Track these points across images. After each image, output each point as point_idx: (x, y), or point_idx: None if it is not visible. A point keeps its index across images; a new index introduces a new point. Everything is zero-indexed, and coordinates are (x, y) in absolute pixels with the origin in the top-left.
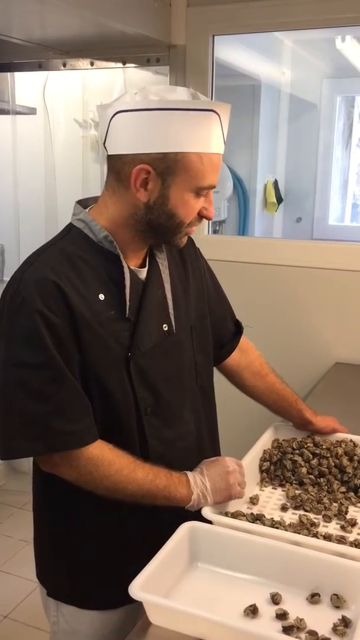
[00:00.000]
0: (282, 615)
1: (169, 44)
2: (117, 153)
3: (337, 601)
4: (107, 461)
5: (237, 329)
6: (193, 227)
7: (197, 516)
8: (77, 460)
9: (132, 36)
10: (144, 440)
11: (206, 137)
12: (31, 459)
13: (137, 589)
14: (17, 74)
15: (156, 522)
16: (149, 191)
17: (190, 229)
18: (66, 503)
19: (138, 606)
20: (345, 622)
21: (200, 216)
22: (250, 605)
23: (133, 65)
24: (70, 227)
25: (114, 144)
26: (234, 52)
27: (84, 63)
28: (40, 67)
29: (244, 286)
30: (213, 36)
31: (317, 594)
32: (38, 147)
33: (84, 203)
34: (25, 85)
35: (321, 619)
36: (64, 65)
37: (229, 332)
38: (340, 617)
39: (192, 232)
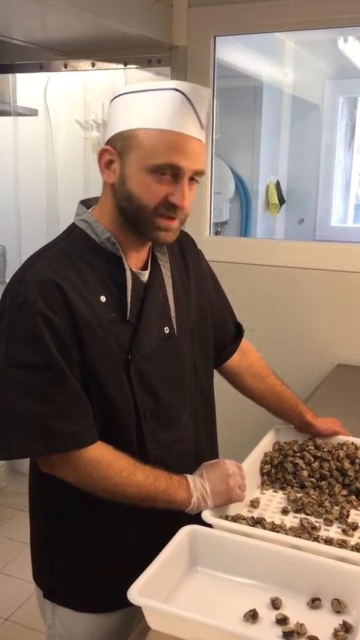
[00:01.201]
0: (282, 620)
1: (170, 44)
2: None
3: (338, 606)
4: (107, 463)
5: (238, 332)
6: (167, 219)
7: (197, 519)
8: (76, 461)
9: (134, 37)
10: (142, 443)
11: (162, 114)
12: (29, 459)
13: (136, 593)
14: (19, 75)
15: (155, 524)
16: (113, 172)
17: (163, 221)
18: (63, 504)
19: (135, 609)
20: (346, 627)
21: (170, 203)
22: (250, 610)
23: (134, 66)
24: (72, 228)
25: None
26: (236, 53)
27: (85, 64)
28: (41, 68)
29: (246, 288)
30: (214, 37)
31: (318, 599)
32: (39, 148)
33: (87, 203)
34: (27, 86)
35: (322, 624)
36: (65, 66)
37: (229, 334)
38: (341, 622)
39: (168, 224)
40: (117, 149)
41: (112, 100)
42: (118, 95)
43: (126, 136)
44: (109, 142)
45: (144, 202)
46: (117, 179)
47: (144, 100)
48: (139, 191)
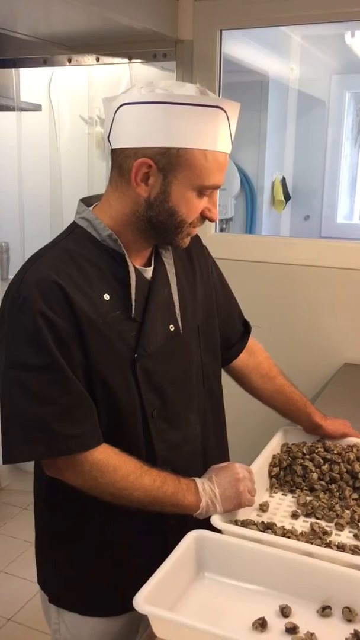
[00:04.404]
0: (292, 629)
1: (176, 38)
2: (120, 147)
3: (349, 614)
4: (113, 466)
5: (245, 329)
6: (195, 227)
7: (204, 522)
8: (81, 465)
9: (139, 31)
10: (150, 444)
11: (212, 135)
12: (34, 462)
13: (142, 601)
14: (22, 70)
15: (162, 528)
16: (149, 186)
17: (192, 229)
18: (69, 508)
19: (141, 613)
20: (358, 637)
21: (204, 217)
22: (259, 619)
23: (139, 60)
24: (73, 226)
25: (118, 138)
26: (242, 48)
27: (90, 59)
28: (45, 62)
29: (251, 285)
30: (221, 31)
31: (328, 607)
32: (43, 144)
33: (87, 201)
34: (30, 81)
35: (332, 633)
36: (69, 61)
37: (237, 332)
38: (352, 632)
39: (195, 232)
40: (159, 165)
41: (135, 104)
42: (148, 103)
43: (174, 154)
44: (145, 155)
45: (184, 217)
46: (157, 194)
47: (190, 117)
48: (183, 208)
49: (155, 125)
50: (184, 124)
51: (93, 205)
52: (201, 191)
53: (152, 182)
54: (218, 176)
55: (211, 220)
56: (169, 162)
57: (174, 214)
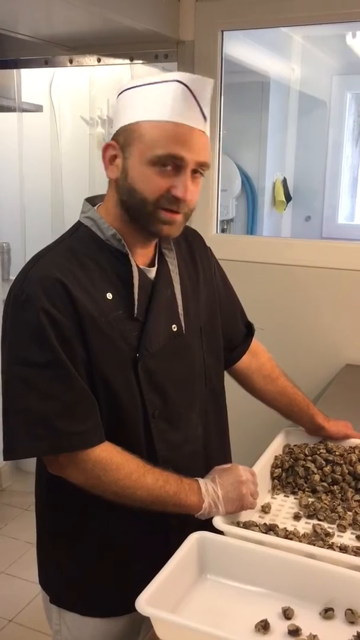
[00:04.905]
0: (294, 632)
1: (177, 39)
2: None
3: (352, 616)
4: (116, 465)
5: (248, 331)
6: (169, 212)
7: (206, 523)
8: (84, 463)
9: (140, 32)
10: (151, 443)
11: (164, 106)
12: (37, 462)
13: (144, 603)
14: (24, 71)
15: (164, 528)
16: (115, 166)
17: (166, 214)
18: (70, 507)
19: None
20: None
21: (172, 196)
22: (262, 621)
23: (140, 61)
24: (78, 225)
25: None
26: (243, 48)
27: (91, 59)
28: (46, 63)
29: (252, 286)
30: (222, 32)
31: (331, 609)
32: (44, 144)
33: (92, 201)
34: (32, 82)
35: (335, 635)
36: (71, 61)
37: (240, 333)
38: (355, 633)
39: (171, 218)
40: (120, 143)
41: (118, 95)
42: (123, 91)
43: (128, 129)
44: (113, 138)
45: (145, 195)
46: (120, 173)
47: (146, 93)
48: (141, 184)
49: (121, 110)
50: (138, 101)
51: (97, 205)
52: (157, 164)
53: (117, 162)
54: (173, 147)
55: (178, 199)
56: (125, 138)
57: (134, 192)
